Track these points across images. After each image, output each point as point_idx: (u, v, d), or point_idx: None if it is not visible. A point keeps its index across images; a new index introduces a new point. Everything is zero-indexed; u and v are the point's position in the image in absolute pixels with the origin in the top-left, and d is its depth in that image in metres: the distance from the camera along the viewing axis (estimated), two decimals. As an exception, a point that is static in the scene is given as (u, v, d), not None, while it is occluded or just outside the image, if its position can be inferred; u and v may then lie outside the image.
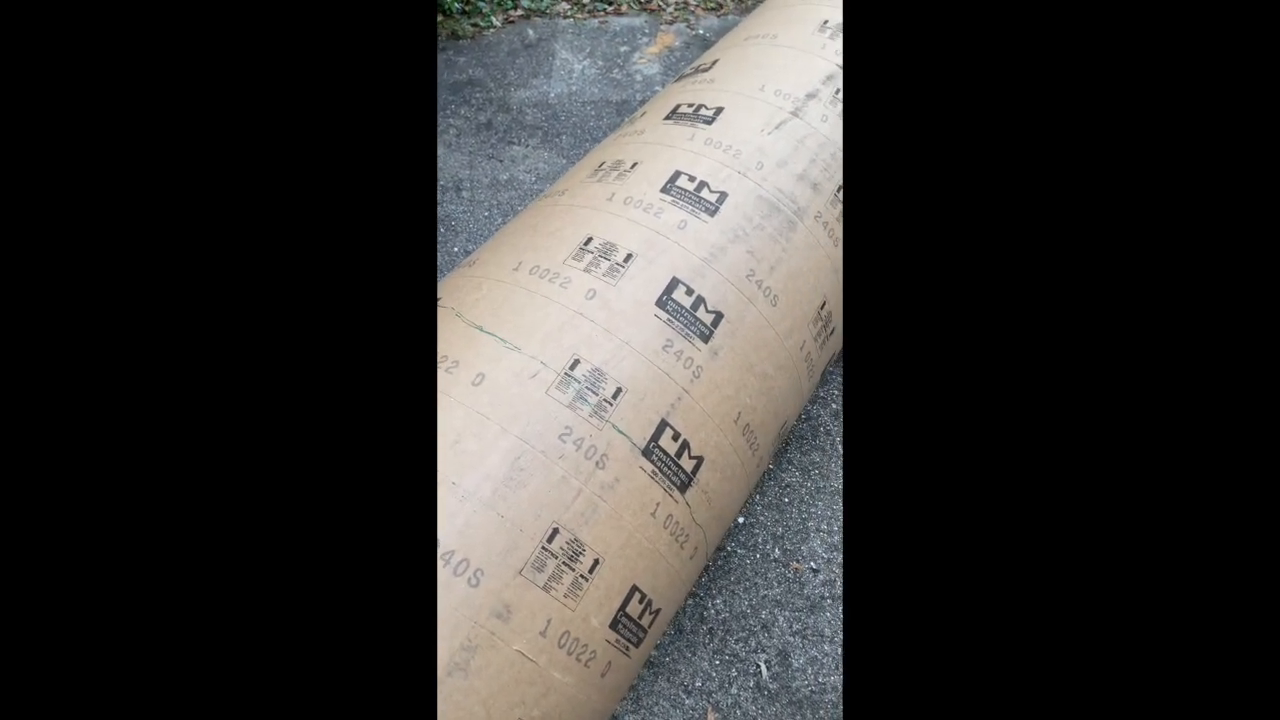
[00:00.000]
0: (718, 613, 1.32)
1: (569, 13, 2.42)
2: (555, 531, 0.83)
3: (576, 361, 0.91)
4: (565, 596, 0.82)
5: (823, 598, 1.33)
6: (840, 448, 1.52)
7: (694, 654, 1.28)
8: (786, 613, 1.32)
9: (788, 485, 1.47)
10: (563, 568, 0.82)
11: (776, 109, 1.18)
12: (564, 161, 2.01)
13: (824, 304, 1.14)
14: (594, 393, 0.90)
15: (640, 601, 0.90)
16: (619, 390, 0.91)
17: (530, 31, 2.37)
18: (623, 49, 2.33)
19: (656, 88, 2.20)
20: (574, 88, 2.20)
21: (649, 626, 0.94)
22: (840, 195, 1.16)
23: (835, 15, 1.33)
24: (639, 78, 2.24)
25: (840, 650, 1.28)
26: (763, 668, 1.26)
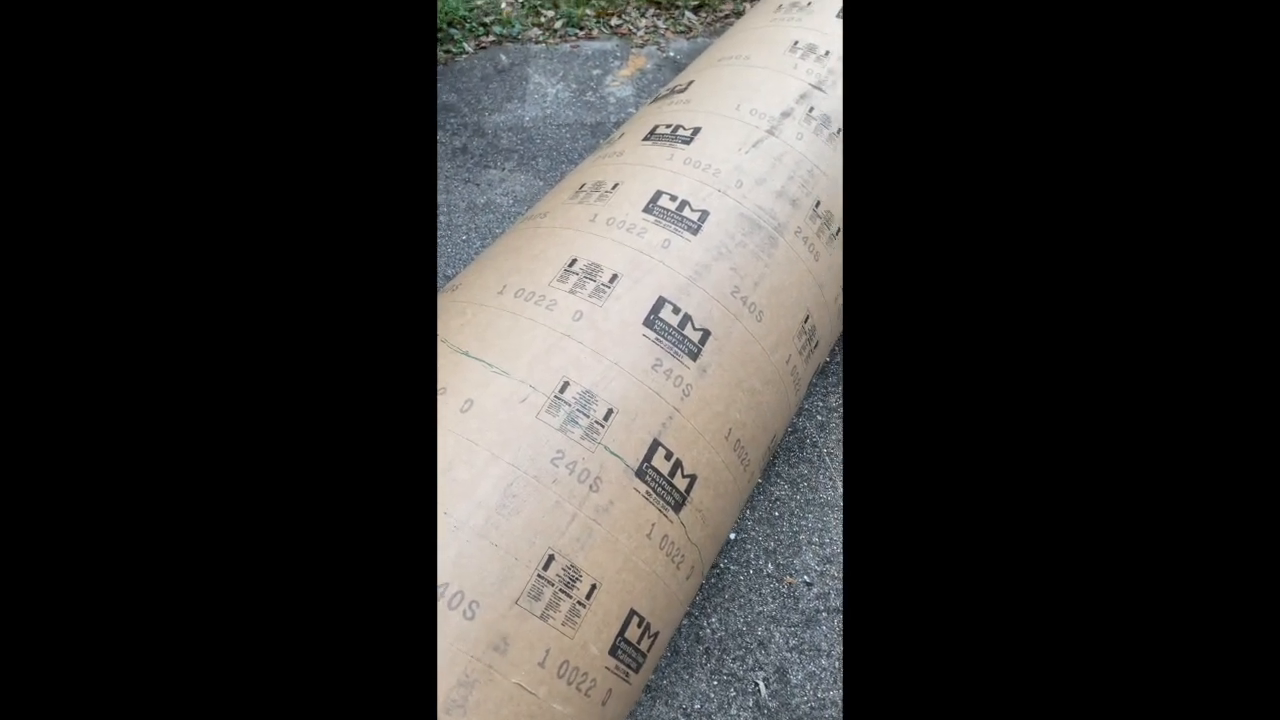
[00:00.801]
0: (713, 632, 1.30)
1: (541, 38, 2.45)
2: (551, 558, 0.81)
3: (566, 384, 0.90)
4: (563, 624, 0.80)
5: (818, 611, 1.33)
6: (827, 459, 1.52)
7: (691, 675, 1.26)
8: (782, 628, 1.31)
9: (777, 499, 1.47)
10: (560, 595, 0.81)
11: (753, 128, 1.20)
12: (541, 184, 2.02)
13: (807, 317, 1.16)
14: (585, 415, 0.89)
15: (639, 625, 0.89)
16: (610, 411, 0.90)
17: (503, 57, 2.39)
18: (595, 72, 2.35)
19: (630, 109, 2.22)
20: (548, 111, 2.22)
21: (648, 651, 0.92)
22: (818, 210, 1.18)
23: (806, 36, 1.36)
24: (612, 100, 2.26)
25: (838, 664, 1.27)
26: (761, 686, 1.25)
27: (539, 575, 0.80)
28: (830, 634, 1.31)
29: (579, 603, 0.82)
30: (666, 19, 2.53)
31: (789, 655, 1.28)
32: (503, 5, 2.53)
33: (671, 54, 2.41)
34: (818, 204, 1.18)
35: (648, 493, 0.90)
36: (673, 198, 1.09)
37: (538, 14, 2.51)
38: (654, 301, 0.99)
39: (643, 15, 2.54)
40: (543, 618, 0.79)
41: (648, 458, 0.91)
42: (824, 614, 1.33)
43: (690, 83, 1.35)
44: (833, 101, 1.28)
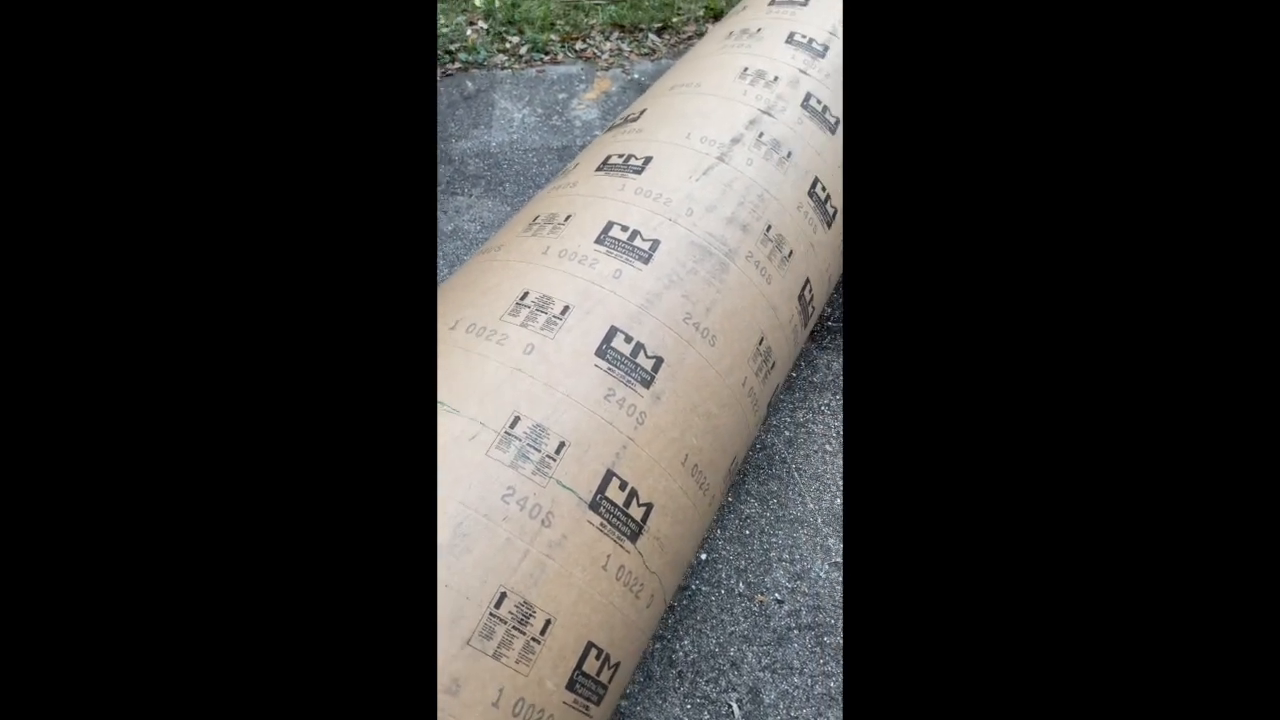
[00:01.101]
0: (686, 654, 1.31)
1: (506, 64, 2.47)
2: (503, 596, 0.81)
3: (517, 419, 0.91)
4: (517, 662, 0.81)
5: (789, 629, 1.33)
6: (796, 475, 1.54)
7: (664, 700, 1.26)
8: (755, 648, 1.31)
9: (747, 517, 1.47)
10: (512, 632, 0.81)
11: (703, 155, 1.22)
12: (508, 209, 2.03)
13: (762, 339, 1.17)
14: (536, 449, 0.89)
15: (598, 658, 0.89)
16: (562, 444, 0.91)
17: (469, 83, 2.41)
18: (561, 96, 2.38)
19: (596, 132, 2.25)
20: (515, 136, 2.24)
21: (609, 682, 0.92)
22: (769, 234, 1.20)
23: (755, 62, 1.39)
24: (578, 123, 2.29)
25: (810, 682, 1.28)
26: (735, 708, 1.25)
27: (491, 614, 0.80)
28: (802, 651, 1.31)
29: (533, 639, 0.82)
30: (631, 42, 2.57)
31: (762, 675, 1.29)
32: (468, 32, 2.55)
33: (636, 76, 2.45)
34: (768, 228, 1.20)
35: (602, 524, 0.91)
36: (624, 228, 1.11)
37: (503, 40, 2.54)
38: (606, 331, 1.00)
39: (607, 39, 2.57)
40: (495, 656, 0.79)
41: (601, 489, 0.92)
42: (795, 631, 1.33)
43: (643, 111, 1.37)
44: (782, 127, 1.30)
